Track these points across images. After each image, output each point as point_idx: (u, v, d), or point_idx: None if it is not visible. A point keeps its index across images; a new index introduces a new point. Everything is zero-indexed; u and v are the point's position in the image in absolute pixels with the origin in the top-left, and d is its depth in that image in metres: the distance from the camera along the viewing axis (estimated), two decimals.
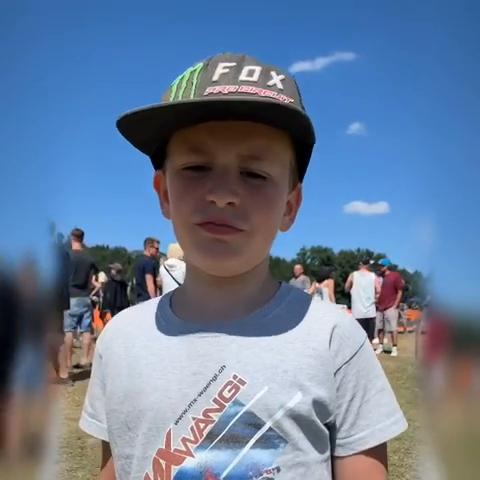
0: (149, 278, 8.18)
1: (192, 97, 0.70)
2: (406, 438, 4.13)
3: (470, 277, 1.74)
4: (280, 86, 0.72)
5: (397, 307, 10.39)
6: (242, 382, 0.71)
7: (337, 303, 14.26)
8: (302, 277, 12.09)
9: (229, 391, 0.71)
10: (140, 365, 0.78)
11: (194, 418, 0.71)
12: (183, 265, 8.69)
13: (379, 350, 10.42)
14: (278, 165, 0.75)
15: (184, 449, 0.70)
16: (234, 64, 0.72)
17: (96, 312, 12.23)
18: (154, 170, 0.85)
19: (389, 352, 10.24)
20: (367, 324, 9.53)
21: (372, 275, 10.44)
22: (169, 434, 0.72)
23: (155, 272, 8.35)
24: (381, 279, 10.81)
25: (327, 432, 0.75)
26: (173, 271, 8.50)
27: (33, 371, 2.10)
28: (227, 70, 0.71)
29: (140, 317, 0.86)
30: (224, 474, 0.68)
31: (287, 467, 0.70)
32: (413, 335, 11.60)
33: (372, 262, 11.80)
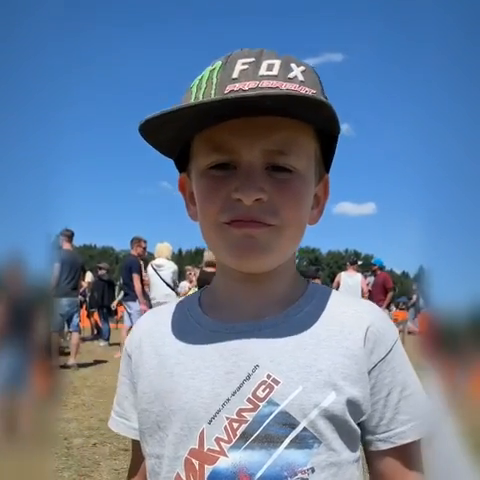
0: (136, 278, 8.14)
1: (213, 96, 0.69)
2: None
3: (459, 277, 1.75)
4: (301, 78, 0.71)
5: (387, 307, 10.43)
6: (276, 381, 0.71)
7: None
8: None
9: (263, 391, 0.71)
10: (170, 364, 0.77)
11: (227, 418, 0.71)
12: (171, 265, 8.70)
13: None
14: (304, 158, 0.74)
15: (218, 449, 0.70)
16: (253, 59, 0.71)
17: (83, 312, 12.13)
18: (179, 173, 0.84)
19: None
20: None
21: (359, 276, 10.49)
22: (202, 434, 0.71)
23: (141, 271, 8.30)
24: (371, 279, 10.87)
25: (359, 431, 0.75)
26: (161, 271, 8.47)
27: (18, 371, 2.08)
28: (246, 66, 0.70)
29: (168, 317, 0.85)
30: (259, 474, 0.68)
31: (321, 467, 0.70)
32: (400, 335, 11.62)
33: (360, 263, 11.86)
